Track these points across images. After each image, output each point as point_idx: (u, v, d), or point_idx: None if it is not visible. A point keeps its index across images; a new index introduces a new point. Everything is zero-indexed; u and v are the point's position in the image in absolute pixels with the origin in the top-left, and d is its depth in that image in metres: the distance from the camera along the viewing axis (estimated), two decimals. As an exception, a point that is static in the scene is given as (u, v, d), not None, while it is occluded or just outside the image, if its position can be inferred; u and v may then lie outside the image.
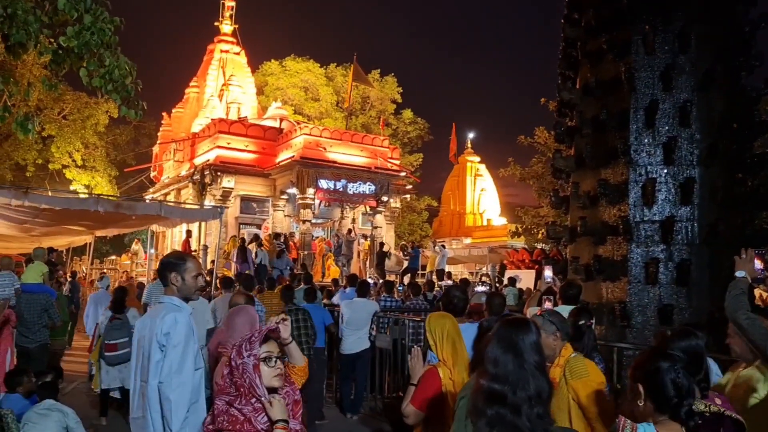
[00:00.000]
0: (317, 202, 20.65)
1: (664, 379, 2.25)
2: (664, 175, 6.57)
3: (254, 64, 32.79)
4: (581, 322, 4.22)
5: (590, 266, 6.95)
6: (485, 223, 33.84)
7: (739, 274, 3.44)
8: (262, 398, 2.35)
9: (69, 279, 14.86)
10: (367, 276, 19.04)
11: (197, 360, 3.20)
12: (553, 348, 3.36)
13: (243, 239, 17.96)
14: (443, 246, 20.85)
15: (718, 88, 6.68)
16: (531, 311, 5.65)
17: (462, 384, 3.11)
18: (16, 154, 27.76)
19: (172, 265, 3.28)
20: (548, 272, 5.48)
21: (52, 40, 6.26)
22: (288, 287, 8.58)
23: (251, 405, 2.34)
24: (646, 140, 6.67)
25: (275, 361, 2.45)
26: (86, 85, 6.14)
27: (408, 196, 27.32)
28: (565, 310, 5.18)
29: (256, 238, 18.06)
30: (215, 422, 2.37)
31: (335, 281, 13.93)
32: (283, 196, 21.65)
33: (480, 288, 11.22)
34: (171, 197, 24.62)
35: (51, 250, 14.23)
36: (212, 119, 23.81)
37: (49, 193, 13.87)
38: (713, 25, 6.80)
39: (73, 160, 28.77)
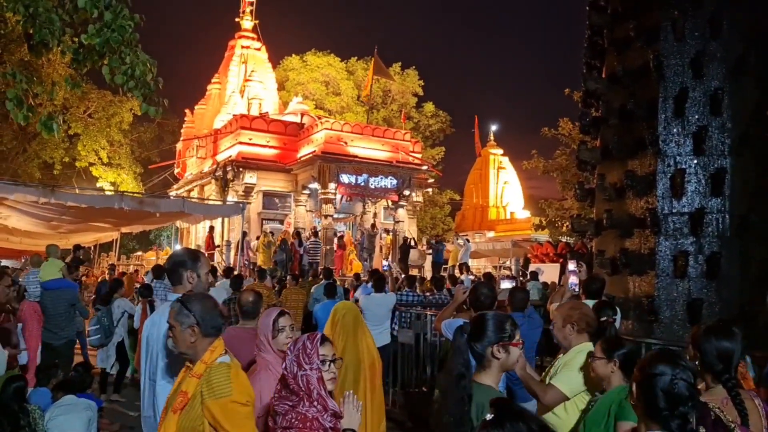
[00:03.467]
0: (339, 196, 20.65)
1: (656, 388, 2.07)
2: (693, 165, 6.38)
3: (275, 60, 32.92)
4: (603, 318, 4.08)
5: (616, 260, 6.79)
6: (508, 217, 33.57)
7: None
8: (336, 409, 2.36)
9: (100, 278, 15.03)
10: (391, 269, 19.00)
11: None
12: (191, 346, 2.57)
13: (244, 232, 18.30)
14: (467, 240, 20.71)
15: (751, 75, 6.46)
16: (555, 307, 5.54)
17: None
18: (44, 152, 28.24)
19: (186, 263, 3.20)
20: (572, 266, 5.37)
21: (75, 38, 6.29)
22: (238, 276, 9.16)
23: (314, 407, 2.35)
24: (675, 130, 6.48)
25: (329, 365, 2.44)
26: (109, 82, 6.18)
27: (430, 189, 27.20)
28: (587, 304, 5.06)
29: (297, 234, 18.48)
30: (279, 421, 2.36)
31: (357, 276, 13.91)
32: (305, 191, 21.69)
33: (506, 284, 11.08)
34: (194, 194, 24.84)
35: (78, 247, 14.42)
36: (234, 115, 23.93)
37: (77, 191, 14.06)
38: (746, 9, 6.57)
39: (99, 158, 29.22)
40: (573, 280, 4.82)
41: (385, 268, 15.20)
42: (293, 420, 2.31)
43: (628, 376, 2.79)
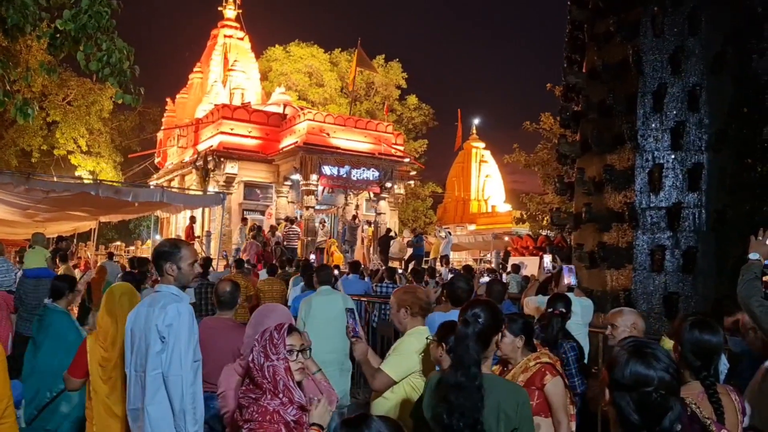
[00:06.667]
0: (321, 188, 20.58)
1: (628, 400, 1.72)
2: (671, 160, 6.45)
3: (258, 50, 32.63)
4: (549, 310, 4.20)
5: (595, 253, 6.85)
6: (490, 210, 33.74)
7: (752, 256, 3.23)
8: (302, 401, 2.32)
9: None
10: (370, 262, 18.99)
11: (195, 352, 3.13)
12: None
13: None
14: (449, 232, 20.72)
15: (729, 71, 6.53)
16: (529, 301, 5.56)
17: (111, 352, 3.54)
18: (21, 140, 27.76)
19: (166, 254, 3.15)
20: (547, 260, 5.40)
21: (52, 24, 6.19)
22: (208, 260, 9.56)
23: (278, 399, 2.32)
24: (653, 125, 6.54)
25: (297, 355, 2.41)
26: (84, 69, 6.08)
27: (412, 182, 27.22)
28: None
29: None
30: (243, 413, 2.34)
31: (336, 267, 13.86)
32: (286, 182, 21.58)
33: (485, 279, 11.14)
34: (175, 183, 24.59)
35: (61, 238, 14.18)
36: (216, 105, 23.71)
37: (54, 179, 13.84)
38: (724, 6, 6.63)
39: (78, 146, 28.81)
40: (567, 280, 4.86)
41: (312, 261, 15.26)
42: (254, 413, 2.29)
43: None
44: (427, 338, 3.17)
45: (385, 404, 3.20)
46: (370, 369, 3.23)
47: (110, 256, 14.93)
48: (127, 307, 3.65)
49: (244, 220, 19.71)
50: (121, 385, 3.49)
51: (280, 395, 2.31)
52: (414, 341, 3.25)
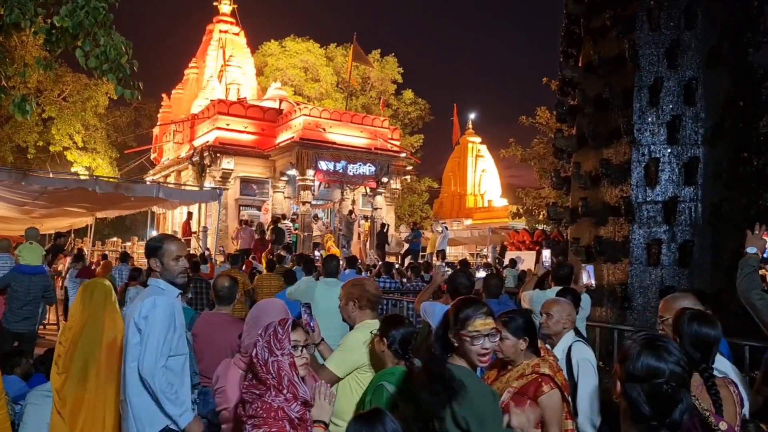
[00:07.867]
0: (317, 183, 20.57)
1: (640, 391, 1.75)
2: (667, 154, 6.47)
3: (254, 45, 32.54)
4: None
5: (591, 247, 6.88)
6: (486, 205, 33.72)
7: (750, 250, 3.27)
8: (306, 397, 2.34)
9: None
10: (367, 257, 19.03)
11: (179, 345, 3.14)
12: None
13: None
14: (446, 227, 20.74)
15: (725, 65, 6.55)
16: (526, 295, 5.59)
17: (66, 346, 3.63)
18: (17, 136, 27.69)
19: (152, 249, 3.21)
20: (546, 255, 5.42)
21: (48, 20, 6.17)
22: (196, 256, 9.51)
23: (282, 396, 2.33)
24: (649, 119, 6.56)
25: (301, 350, 2.42)
26: (82, 65, 6.06)
27: (408, 177, 27.20)
28: (555, 291, 5.11)
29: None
30: (246, 409, 2.35)
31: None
32: (283, 178, 21.56)
33: (482, 273, 11.18)
34: (171, 179, 24.53)
35: (59, 235, 14.13)
36: (211, 100, 23.62)
37: (50, 175, 13.82)
38: (720, 0, 6.65)
39: (74, 142, 28.72)
40: (587, 281, 4.88)
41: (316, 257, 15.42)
42: (258, 409, 2.30)
43: (400, 358, 2.83)
44: (371, 332, 3.12)
45: None
46: (314, 365, 3.16)
47: (80, 251, 14.96)
48: (89, 304, 3.72)
49: (280, 216, 19.72)
50: (72, 381, 3.59)
51: (285, 391, 2.32)
52: (359, 336, 3.20)
